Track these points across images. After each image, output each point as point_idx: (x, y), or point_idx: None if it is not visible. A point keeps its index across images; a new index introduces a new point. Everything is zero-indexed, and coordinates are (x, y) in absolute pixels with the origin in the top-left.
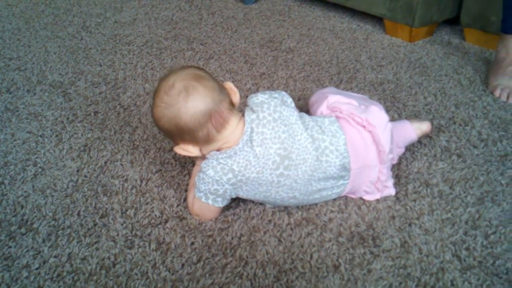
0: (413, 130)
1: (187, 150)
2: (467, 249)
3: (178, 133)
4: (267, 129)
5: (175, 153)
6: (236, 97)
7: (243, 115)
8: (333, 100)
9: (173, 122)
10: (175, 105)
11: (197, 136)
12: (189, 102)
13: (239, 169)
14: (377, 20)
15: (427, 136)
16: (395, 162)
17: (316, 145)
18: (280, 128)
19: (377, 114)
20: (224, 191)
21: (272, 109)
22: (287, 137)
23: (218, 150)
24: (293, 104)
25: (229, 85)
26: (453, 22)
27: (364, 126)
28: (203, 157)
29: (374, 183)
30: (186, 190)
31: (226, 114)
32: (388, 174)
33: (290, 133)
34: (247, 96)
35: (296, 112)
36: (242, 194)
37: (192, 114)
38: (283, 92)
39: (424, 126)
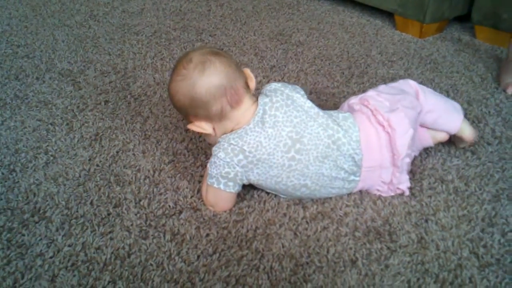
0: (429, 137)
1: (200, 126)
2: (484, 246)
3: (192, 107)
4: (280, 112)
5: (188, 144)
6: (252, 83)
7: (257, 99)
8: (370, 94)
9: (188, 96)
10: (191, 78)
11: (211, 111)
12: (205, 75)
13: (250, 149)
14: (387, 15)
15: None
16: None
17: (329, 133)
18: (293, 113)
19: (400, 118)
20: (235, 174)
21: (285, 95)
22: (299, 121)
23: (229, 132)
24: (306, 96)
25: (247, 70)
26: (463, 19)
27: (383, 126)
28: (215, 142)
29: (387, 184)
30: (199, 182)
31: (241, 92)
32: (401, 178)
33: (302, 118)
34: (258, 90)
35: (309, 102)
36: (253, 179)
37: (208, 88)
38: (296, 86)
39: (439, 136)
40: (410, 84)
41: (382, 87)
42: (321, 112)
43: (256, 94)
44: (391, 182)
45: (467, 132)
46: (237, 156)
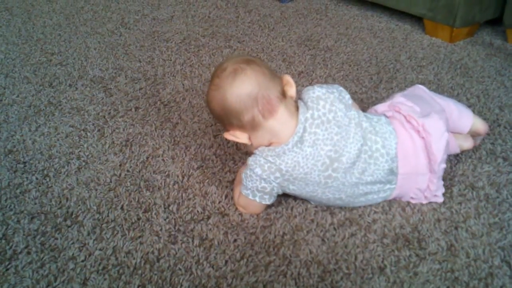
0: (456, 144)
1: (235, 135)
2: None
3: (225, 116)
4: (320, 129)
5: (216, 150)
6: (292, 90)
7: (297, 109)
8: (398, 100)
9: (220, 104)
10: (223, 87)
11: (243, 120)
12: (235, 84)
13: (287, 169)
14: (416, 20)
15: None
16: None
17: (368, 146)
18: (334, 129)
19: (434, 121)
20: (272, 188)
21: (327, 107)
22: (339, 139)
23: (267, 145)
24: (350, 101)
25: (287, 78)
26: (495, 23)
27: (418, 131)
28: (251, 152)
29: (423, 191)
30: (227, 187)
31: (275, 102)
32: (438, 184)
33: (343, 135)
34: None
35: (351, 111)
36: (288, 192)
37: (237, 96)
38: (341, 88)
39: (466, 144)
40: (421, 89)
41: (399, 94)
42: (363, 122)
43: (296, 99)
44: (427, 189)
45: (480, 124)
46: (273, 174)
